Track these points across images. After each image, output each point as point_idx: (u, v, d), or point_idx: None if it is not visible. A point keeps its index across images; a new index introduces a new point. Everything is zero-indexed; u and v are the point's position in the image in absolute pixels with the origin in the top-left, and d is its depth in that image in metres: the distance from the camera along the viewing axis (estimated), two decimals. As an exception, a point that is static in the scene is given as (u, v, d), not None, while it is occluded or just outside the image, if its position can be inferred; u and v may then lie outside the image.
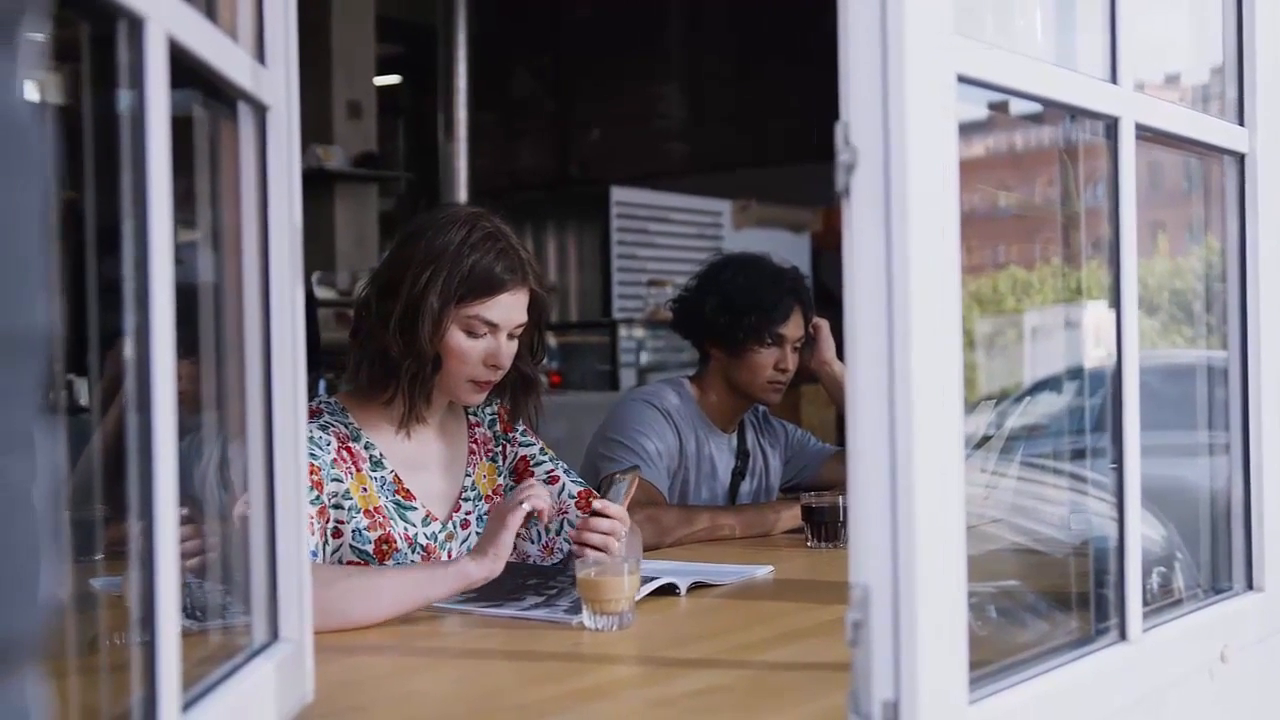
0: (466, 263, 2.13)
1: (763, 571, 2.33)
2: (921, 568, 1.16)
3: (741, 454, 3.12)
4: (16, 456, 0.53)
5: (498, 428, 2.39)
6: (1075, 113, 1.54)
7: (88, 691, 1.13)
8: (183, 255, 1.08)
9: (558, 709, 1.49)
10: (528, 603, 1.99)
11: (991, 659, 1.34)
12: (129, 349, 1.00)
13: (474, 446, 2.35)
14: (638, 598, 1.92)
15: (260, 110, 1.34)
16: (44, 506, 0.55)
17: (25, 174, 0.54)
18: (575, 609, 1.90)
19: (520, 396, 2.32)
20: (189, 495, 1.13)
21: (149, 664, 1.00)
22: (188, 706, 1.08)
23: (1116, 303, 1.51)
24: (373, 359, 2.18)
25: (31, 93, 0.56)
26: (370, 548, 2.14)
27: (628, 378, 7.37)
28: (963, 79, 1.24)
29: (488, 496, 2.33)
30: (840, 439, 4.45)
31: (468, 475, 2.32)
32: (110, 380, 1.13)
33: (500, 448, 2.39)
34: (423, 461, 2.27)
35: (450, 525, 2.26)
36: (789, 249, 7.10)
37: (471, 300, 2.15)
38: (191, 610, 1.30)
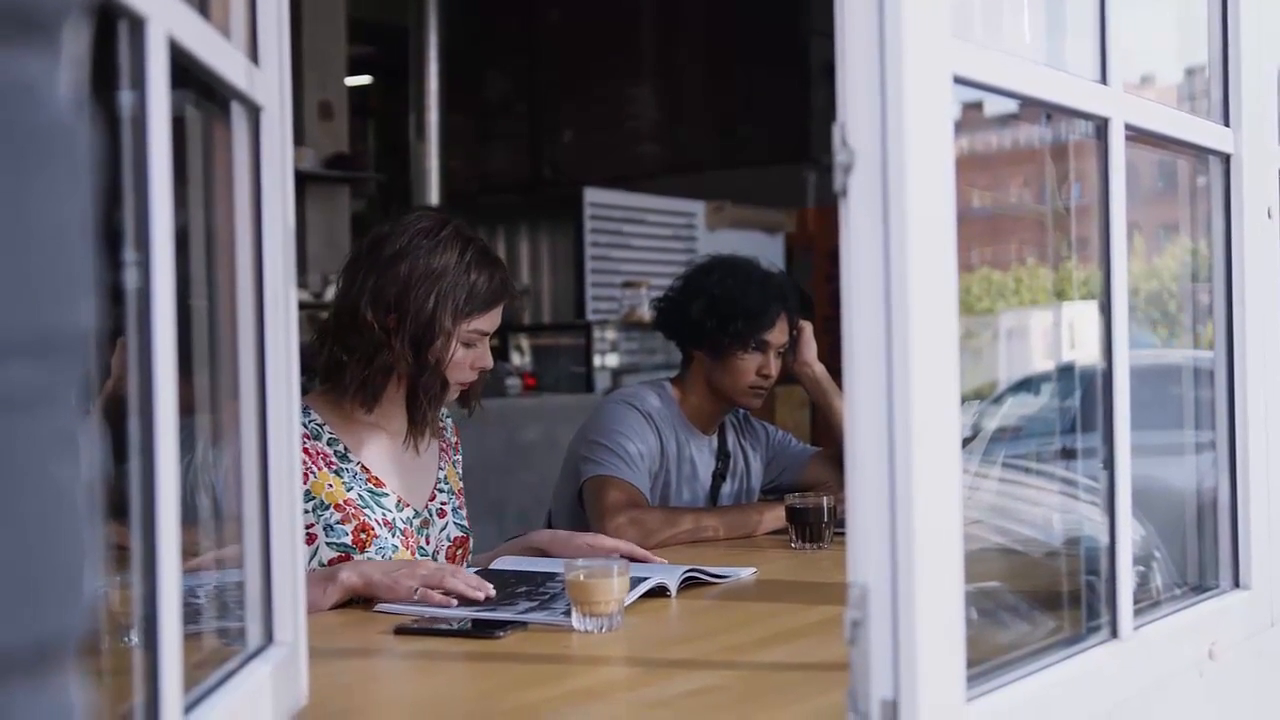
0: (471, 282, 2.25)
1: (747, 573, 2.34)
2: (920, 566, 1.16)
3: (722, 456, 3.12)
4: (62, 457, 0.53)
5: (454, 439, 2.51)
6: (1067, 113, 1.55)
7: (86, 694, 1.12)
8: (175, 256, 1.08)
9: (554, 711, 1.49)
10: (522, 607, 1.98)
11: (987, 658, 1.34)
12: (130, 352, 0.99)
13: (444, 445, 2.45)
14: (629, 601, 1.92)
15: (254, 111, 1.33)
16: (87, 507, 0.55)
17: (70, 175, 0.54)
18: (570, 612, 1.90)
19: (474, 382, 2.38)
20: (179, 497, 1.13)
21: (151, 667, 1.00)
22: (188, 710, 1.08)
23: (1107, 303, 1.52)
24: (379, 373, 2.24)
25: (74, 93, 0.56)
26: (349, 539, 2.20)
27: (602, 380, 7.36)
28: (959, 80, 1.25)
29: (457, 492, 2.44)
30: (815, 439, 4.46)
31: (440, 469, 2.42)
32: (114, 381, 1.13)
33: (458, 457, 2.51)
34: (394, 454, 2.34)
35: (426, 513, 2.34)
36: (763, 250, 7.10)
37: (475, 316, 2.27)
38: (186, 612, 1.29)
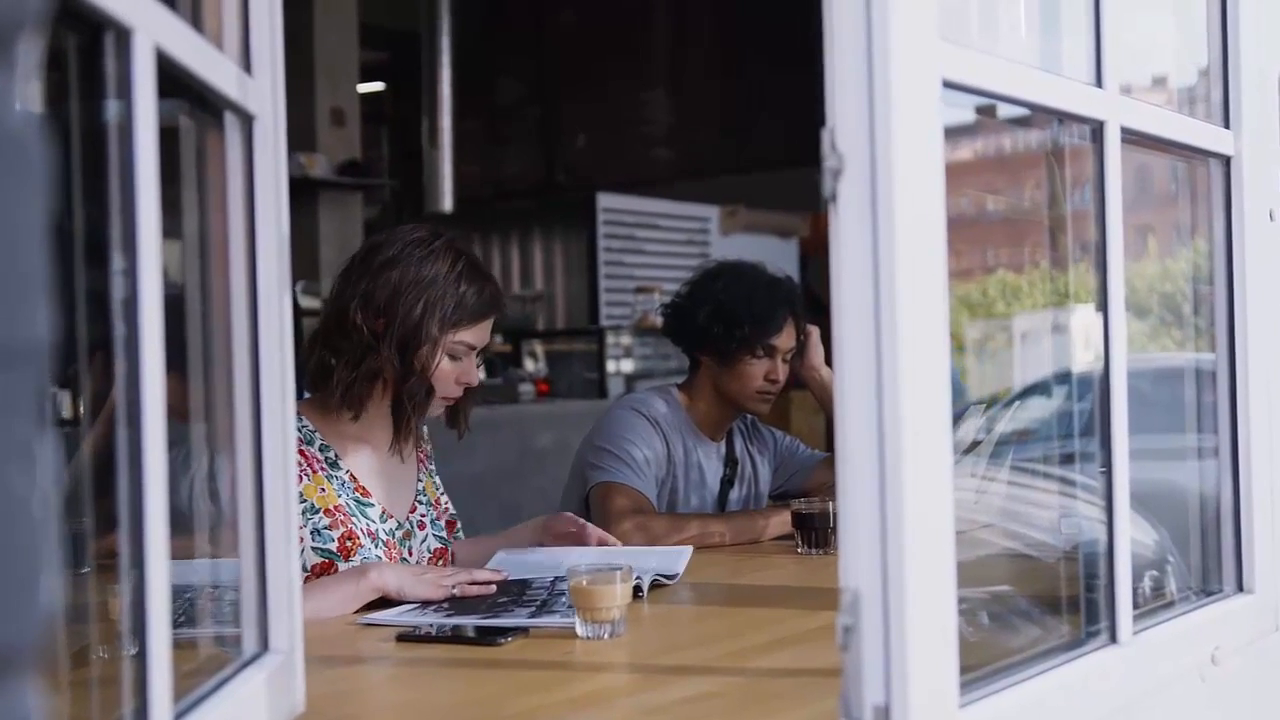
0: (459, 292, 2.27)
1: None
2: (911, 571, 1.16)
3: (730, 462, 3.12)
4: (17, 466, 0.53)
5: (428, 448, 2.53)
6: (1061, 116, 1.54)
7: (78, 704, 1.13)
8: (168, 266, 1.08)
9: (553, 717, 1.49)
10: (519, 614, 1.97)
11: (983, 663, 1.34)
12: (118, 361, 0.99)
13: (422, 457, 2.48)
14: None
15: (247, 120, 1.34)
16: (44, 516, 0.56)
17: (26, 186, 0.55)
18: (572, 613, 1.89)
19: (463, 401, 2.40)
20: (176, 508, 1.13)
21: (140, 675, 1.00)
22: (179, 718, 1.08)
23: (1104, 305, 1.52)
24: (366, 378, 2.27)
25: (30, 105, 0.56)
26: (334, 546, 2.23)
27: (615, 385, 7.36)
28: (948, 84, 1.24)
29: (434, 503, 2.46)
30: (829, 445, 4.45)
31: (419, 481, 2.45)
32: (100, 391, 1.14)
33: (433, 465, 2.52)
34: (378, 466, 2.36)
35: (408, 524, 2.37)
36: (776, 255, 7.10)
37: (462, 327, 2.29)
38: (179, 620, 1.30)
